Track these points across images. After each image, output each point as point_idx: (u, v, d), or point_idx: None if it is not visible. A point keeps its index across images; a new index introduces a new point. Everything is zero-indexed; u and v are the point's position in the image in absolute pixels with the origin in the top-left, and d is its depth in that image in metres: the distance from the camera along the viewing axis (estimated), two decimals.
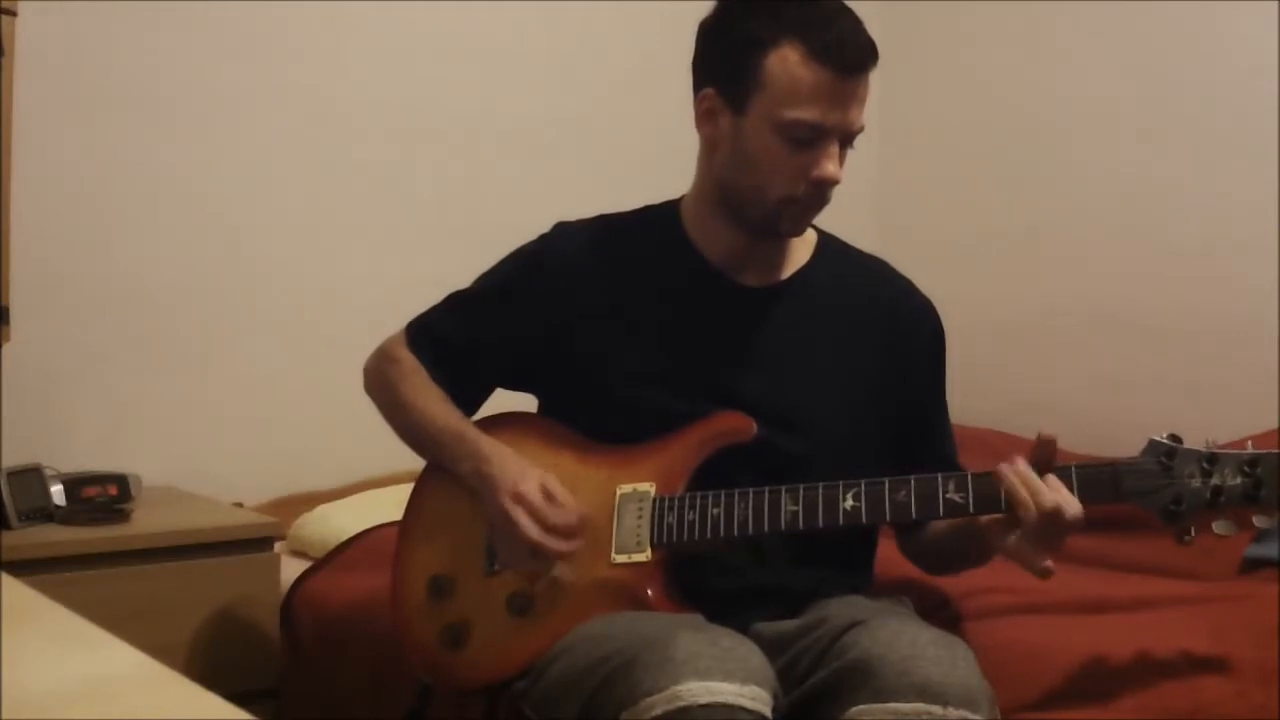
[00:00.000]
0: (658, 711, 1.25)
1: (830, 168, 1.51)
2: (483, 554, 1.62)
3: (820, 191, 1.54)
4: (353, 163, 2.78)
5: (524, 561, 1.56)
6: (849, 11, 1.53)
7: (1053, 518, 1.38)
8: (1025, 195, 3.21)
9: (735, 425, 1.56)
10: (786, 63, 1.49)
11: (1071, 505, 1.39)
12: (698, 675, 1.26)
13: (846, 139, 1.53)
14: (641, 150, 2.87)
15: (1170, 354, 2.86)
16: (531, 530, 1.53)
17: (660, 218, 1.69)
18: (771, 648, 1.42)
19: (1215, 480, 1.38)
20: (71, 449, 2.38)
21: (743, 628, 1.45)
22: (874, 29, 1.53)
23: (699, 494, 1.53)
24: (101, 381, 2.51)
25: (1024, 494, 1.40)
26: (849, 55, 1.49)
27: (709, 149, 1.61)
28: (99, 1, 2.46)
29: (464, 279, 1.76)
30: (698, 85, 1.59)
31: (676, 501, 1.53)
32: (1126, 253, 2.99)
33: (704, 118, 1.59)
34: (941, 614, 1.72)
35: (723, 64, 1.55)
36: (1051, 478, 1.41)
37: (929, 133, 3.45)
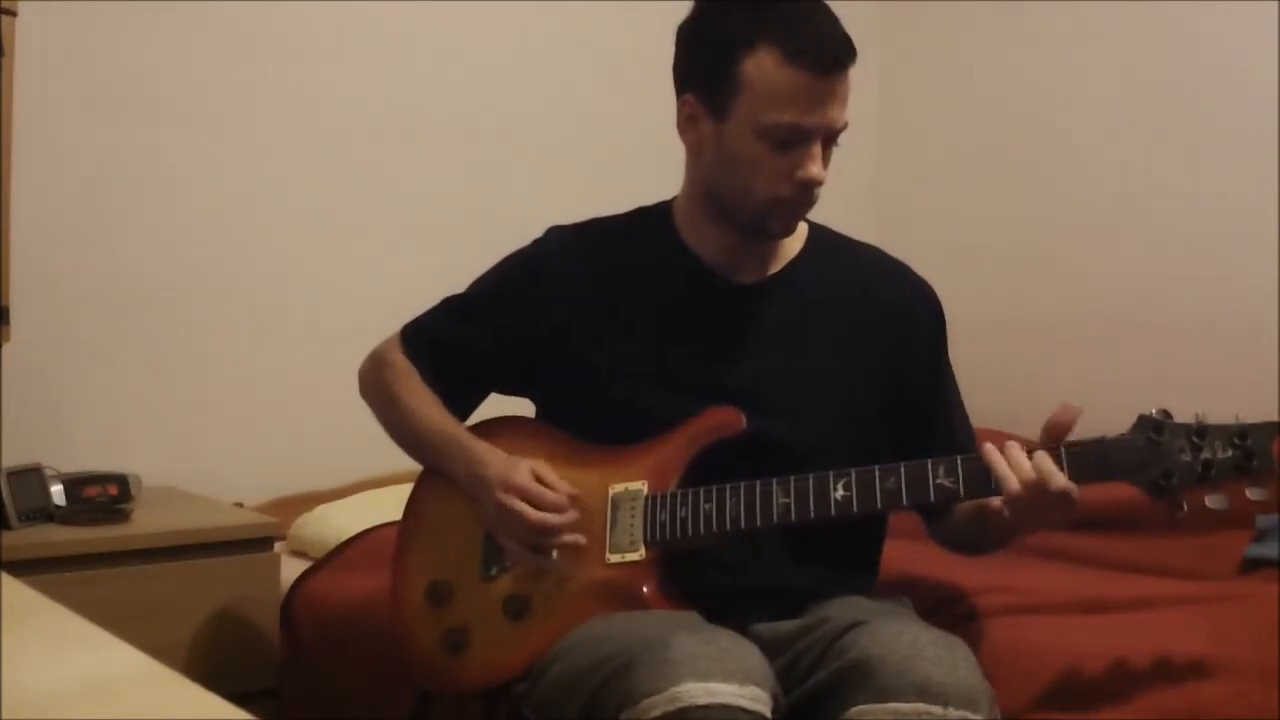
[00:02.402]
0: (657, 713, 1.25)
1: (814, 169, 1.50)
2: (479, 558, 1.62)
3: (806, 192, 1.53)
4: (352, 163, 2.78)
5: (527, 552, 1.56)
6: (824, 8, 1.52)
7: (1036, 491, 1.38)
8: (1025, 195, 3.21)
9: (724, 420, 1.56)
10: (763, 67, 1.47)
11: (1055, 477, 1.38)
12: (696, 676, 1.26)
13: (830, 138, 1.52)
14: (641, 150, 2.86)
15: (1170, 354, 2.86)
16: (529, 513, 1.53)
17: (653, 219, 1.69)
18: (771, 648, 1.42)
19: (1205, 454, 1.37)
20: (71, 449, 2.38)
21: (742, 627, 1.45)
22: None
23: (690, 490, 1.53)
24: (101, 381, 2.51)
25: (1004, 467, 1.40)
26: (826, 55, 1.47)
27: (693, 153, 1.60)
28: (99, 1, 2.46)
29: (464, 280, 1.76)
30: (679, 91, 1.59)
31: (668, 499, 1.53)
32: (1126, 253, 2.99)
33: (686, 124, 1.58)
34: (941, 614, 1.72)
35: (701, 70, 1.55)
36: (1038, 453, 1.40)
37: (928, 132, 3.45)
